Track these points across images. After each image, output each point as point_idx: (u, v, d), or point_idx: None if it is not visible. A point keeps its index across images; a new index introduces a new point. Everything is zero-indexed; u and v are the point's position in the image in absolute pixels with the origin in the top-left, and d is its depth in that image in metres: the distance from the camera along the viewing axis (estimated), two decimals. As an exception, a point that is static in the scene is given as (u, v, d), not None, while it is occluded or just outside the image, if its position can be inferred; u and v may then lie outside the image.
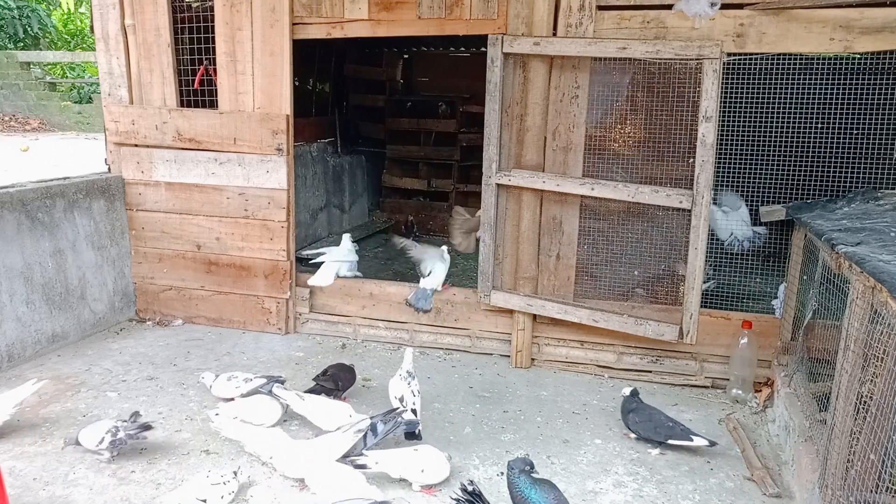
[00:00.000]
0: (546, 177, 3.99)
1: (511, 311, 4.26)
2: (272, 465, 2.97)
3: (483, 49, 4.02)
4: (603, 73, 3.88)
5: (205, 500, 2.71)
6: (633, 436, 3.37)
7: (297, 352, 4.44)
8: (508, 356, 4.33)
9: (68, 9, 19.96)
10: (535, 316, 4.22)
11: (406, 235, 4.84)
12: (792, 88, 3.85)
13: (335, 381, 3.59)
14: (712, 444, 3.19)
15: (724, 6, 3.66)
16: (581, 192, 3.93)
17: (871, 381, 2.28)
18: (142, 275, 4.94)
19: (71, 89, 19.05)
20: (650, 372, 4.13)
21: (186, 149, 4.68)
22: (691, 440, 3.19)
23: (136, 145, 4.79)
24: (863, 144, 3.83)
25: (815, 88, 3.80)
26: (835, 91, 3.80)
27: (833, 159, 3.83)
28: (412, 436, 3.09)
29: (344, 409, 3.22)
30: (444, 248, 4.63)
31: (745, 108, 3.96)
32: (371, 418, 3.05)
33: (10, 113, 17.57)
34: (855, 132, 3.83)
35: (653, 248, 3.99)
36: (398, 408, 3.18)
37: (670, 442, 3.23)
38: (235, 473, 2.82)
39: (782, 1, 3.56)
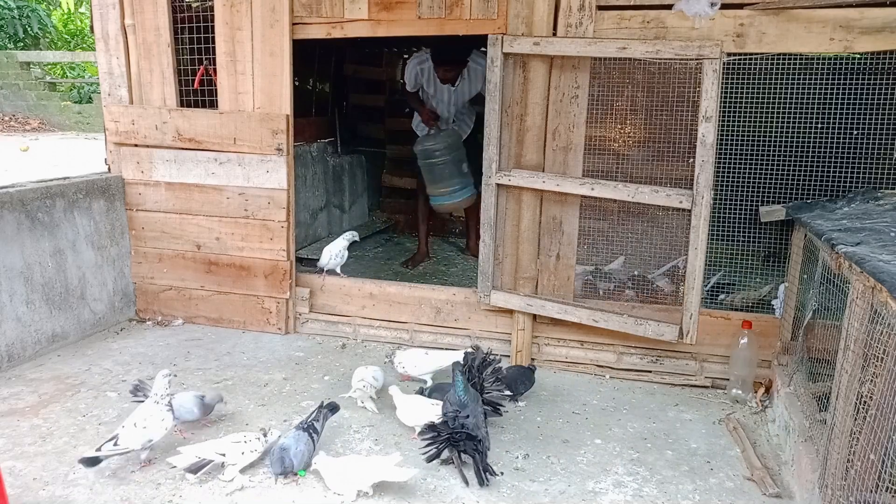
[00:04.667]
0: (546, 177, 3.99)
1: (511, 311, 4.26)
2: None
3: (483, 49, 4.02)
4: (603, 72, 3.88)
5: (223, 455, 2.88)
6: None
7: (297, 352, 4.44)
8: (508, 356, 4.33)
9: (68, 9, 19.96)
10: (535, 316, 4.22)
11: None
12: (792, 88, 3.85)
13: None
14: None
15: (724, 6, 3.66)
16: (581, 192, 3.94)
17: (871, 381, 2.28)
18: (142, 275, 4.95)
19: (71, 89, 19.08)
20: (650, 372, 4.13)
21: (186, 149, 4.68)
22: None
23: (136, 145, 4.79)
24: (863, 144, 3.83)
25: (815, 88, 3.80)
26: (835, 91, 3.80)
27: (833, 159, 3.82)
28: (335, 408, 3.28)
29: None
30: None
31: (745, 108, 3.96)
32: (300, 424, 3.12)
33: (10, 113, 17.59)
34: (855, 132, 3.82)
35: (653, 248, 4.00)
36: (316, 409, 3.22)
37: None
38: (264, 432, 2.99)
39: (782, 1, 3.56)
